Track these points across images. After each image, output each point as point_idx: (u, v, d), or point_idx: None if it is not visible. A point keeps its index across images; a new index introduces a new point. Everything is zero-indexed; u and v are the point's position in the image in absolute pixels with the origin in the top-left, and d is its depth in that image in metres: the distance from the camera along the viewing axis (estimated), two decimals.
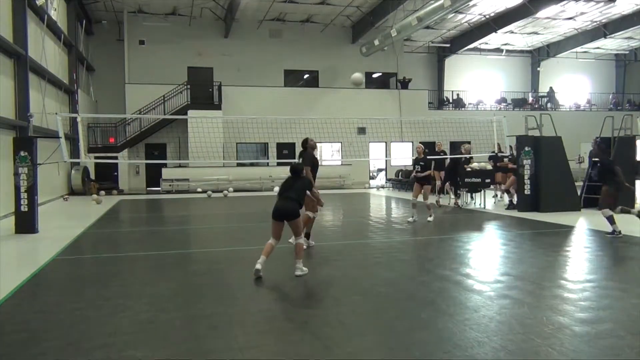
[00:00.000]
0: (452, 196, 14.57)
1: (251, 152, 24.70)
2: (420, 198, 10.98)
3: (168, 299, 5.30)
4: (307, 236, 8.04)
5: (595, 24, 26.05)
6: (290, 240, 7.15)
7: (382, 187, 23.66)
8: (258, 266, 5.98)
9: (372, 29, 24.63)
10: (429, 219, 11.08)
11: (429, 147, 25.56)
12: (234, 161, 23.42)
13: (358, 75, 12.62)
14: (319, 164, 8.47)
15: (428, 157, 11.62)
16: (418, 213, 11.23)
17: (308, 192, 6.65)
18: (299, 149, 8.65)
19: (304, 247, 7.35)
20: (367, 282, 5.98)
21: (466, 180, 13.59)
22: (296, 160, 6.55)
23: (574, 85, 32.48)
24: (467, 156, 14.06)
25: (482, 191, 14.03)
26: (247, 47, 25.35)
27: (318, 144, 9.30)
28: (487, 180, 13.84)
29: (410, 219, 11.15)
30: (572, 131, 19.22)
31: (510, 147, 14.35)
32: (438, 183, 15.00)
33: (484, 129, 17.67)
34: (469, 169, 13.74)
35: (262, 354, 3.83)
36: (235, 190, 21.20)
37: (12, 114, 13.92)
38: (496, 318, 4.52)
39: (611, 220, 8.73)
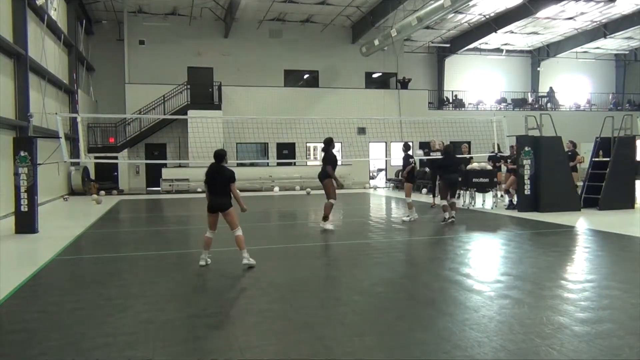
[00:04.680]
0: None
1: (251, 152, 24.69)
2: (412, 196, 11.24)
3: (168, 299, 5.30)
4: (326, 218, 9.87)
5: (595, 24, 26.05)
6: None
7: (376, 187, 23.68)
8: (202, 262, 6.58)
9: (372, 29, 24.63)
10: (405, 218, 11.27)
11: (429, 147, 25.56)
12: (234, 161, 23.40)
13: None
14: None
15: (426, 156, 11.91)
16: (417, 212, 11.30)
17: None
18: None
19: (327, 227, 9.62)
20: (367, 282, 5.98)
21: (474, 180, 13.59)
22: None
23: (574, 85, 32.48)
24: (465, 156, 14.12)
25: (489, 191, 14.03)
26: (247, 47, 25.36)
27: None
28: (495, 180, 13.87)
29: (413, 218, 11.24)
30: (572, 131, 19.20)
31: (512, 147, 14.35)
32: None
33: (484, 129, 17.66)
34: (469, 169, 13.79)
35: (262, 354, 3.83)
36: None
37: (12, 114, 13.91)
38: (496, 318, 4.52)
39: None
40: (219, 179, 6.56)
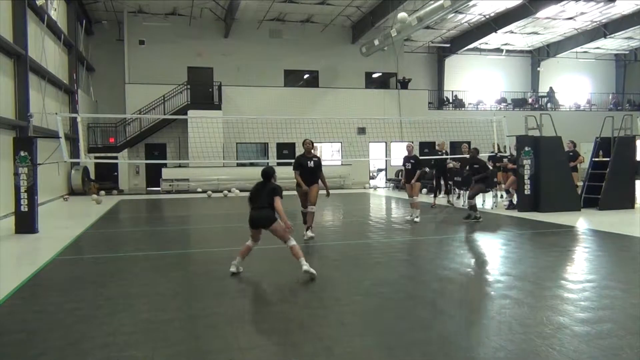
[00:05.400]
0: (442, 195, 14.67)
1: (251, 152, 24.70)
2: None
3: (168, 299, 5.30)
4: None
5: (595, 24, 26.05)
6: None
7: (376, 187, 23.69)
8: (233, 269, 6.15)
9: (372, 29, 24.63)
10: (416, 219, 11.01)
11: (429, 147, 25.56)
12: (234, 161, 23.43)
13: (402, 14, 12.65)
14: (307, 164, 8.94)
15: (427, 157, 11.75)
16: (407, 211, 11.29)
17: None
18: (298, 148, 8.86)
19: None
20: (367, 282, 5.98)
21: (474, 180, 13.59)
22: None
23: (574, 85, 32.48)
24: (461, 156, 14.14)
25: (489, 191, 14.03)
26: (247, 47, 25.36)
27: (318, 144, 9.57)
28: (495, 180, 13.87)
29: (412, 218, 11.19)
30: (572, 131, 19.20)
31: (511, 148, 14.36)
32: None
33: (484, 129, 17.66)
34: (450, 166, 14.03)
35: (262, 354, 3.83)
36: (239, 191, 21.16)
37: (12, 114, 13.92)
38: (496, 318, 4.52)
39: None
40: (263, 190, 6.07)
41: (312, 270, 5.85)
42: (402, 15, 13.08)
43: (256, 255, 6.76)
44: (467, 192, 14.15)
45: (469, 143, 16.53)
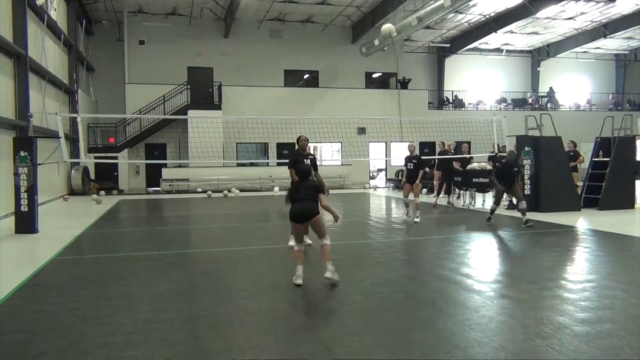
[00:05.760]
0: (443, 195, 14.66)
1: (251, 152, 24.71)
2: (411, 196, 11.05)
3: (168, 299, 5.30)
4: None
5: (595, 24, 26.05)
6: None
7: (376, 187, 23.70)
8: (299, 281, 5.68)
9: (372, 29, 24.62)
10: (416, 219, 10.94)
11: (429, 147, 25.58)
12: (234, 161, 23.43)
13: (387, 26, 11.90)
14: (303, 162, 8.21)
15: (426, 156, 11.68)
16: (412, 210, 11.26)
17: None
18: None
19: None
20: (367, 282, 5.98)
21: (474, 180, 13.60)
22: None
23: (574, 85, 32.49)
24: (461, 156, 14.14)
25: (489, 191, 14.02)
26: (247, 47, 25.37)
27: (318, 144, 9.32)
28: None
29: (407, 218, 11.19)
30: (572, 131, 19.19)
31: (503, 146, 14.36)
32: (436, 183, 14.99)
33: (484, 129, 17.66)
34: (460, 168, 13.95)
35: (262, 354, 3.82)
36: (239, 191, 21.17)
37: (12, 114, 13.92)
38: (496, 318, 4.52)
39: None
40: (303, 187, 5.89)
41: (335, 277, 5.59)
42: (386, 27, 12.03)
43: (256, 255, 6.76)
44: (466, 192, 14.22)
45: (469, 143, 16.55)
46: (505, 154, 14.16)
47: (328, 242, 5.83)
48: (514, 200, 13.21)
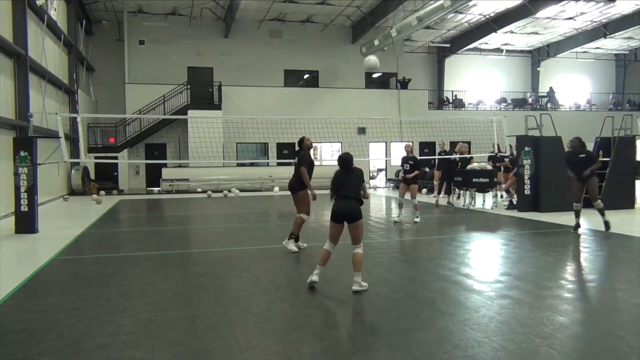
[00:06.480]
0: (443, 195, 14.67)
1: (251, 152, 24.71)
2: (407, 196, 11.05)
3: (168, 299, 5.30)
4: (296, 239, 7.92)
5: (595, 24, 26.06)
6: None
7: (376, 187, 23.71)
8: (315, 278, 5.48)
9: (372, 29, 24.65)
10: (416, 219, 10.95)
11: (429, 147, 25.56)
12: (234, 161, 23.43)
13: (372, 59, 11.77)
14: (314, 164, 8.09)
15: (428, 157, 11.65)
16: (405, 212, 11.25)
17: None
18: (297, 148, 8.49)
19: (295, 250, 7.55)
20: (367, 282, 5.96)
21: (474, 180, 13.60)
22: (344, 153, 6.00)
23: (574, 85, 32.50)
24: (460, 156, 14.12)
25: (489, 191, 14.02)
26: (247, 47, 25.37)
27: (318, 144, 9.32)
28: (495, 180, 13.88)
29: (396, 219, 11.14)
30: (572, 131, 19.17)
31: (510, 146, 14.36)
32: (436, 183, 15.00)
33: (484, 129, 17.67)
34: (463, 168, 13.91)
35: (262, 354, 3.83)
36: (239, 191, 21.16)
37: (12, 114, 13.92)
38: (496, 318, 4.52)
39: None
40: (348, 180, 5.59)
41: (363, 286, 5.38)
42: (372, 60, 11.31)
43: (256, 255, 6.76)
44: (466, 192, 14.21)
45: (469, 143, 16.55)
46: (505, 154, 14.19)
47: (361, 250, 5.49)
48: (514, 200, 13.23)
